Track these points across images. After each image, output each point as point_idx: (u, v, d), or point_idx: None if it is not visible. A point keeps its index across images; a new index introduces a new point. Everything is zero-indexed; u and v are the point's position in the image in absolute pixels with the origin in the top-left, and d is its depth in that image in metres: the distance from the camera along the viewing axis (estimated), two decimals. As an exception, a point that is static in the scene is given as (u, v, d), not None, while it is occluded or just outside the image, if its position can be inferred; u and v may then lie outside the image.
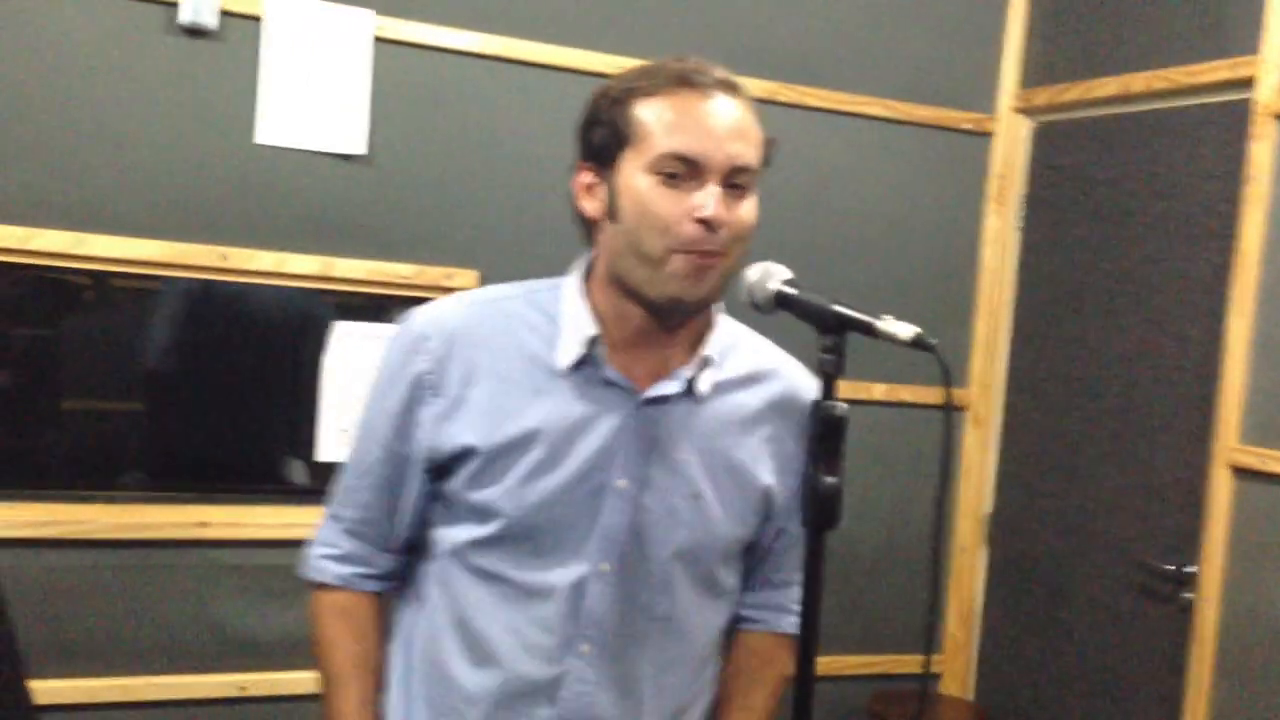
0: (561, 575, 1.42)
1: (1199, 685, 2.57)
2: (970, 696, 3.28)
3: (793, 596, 1.53)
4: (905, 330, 1.28)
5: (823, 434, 1.29)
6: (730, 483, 1.48)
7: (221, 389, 2.66)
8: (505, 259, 2.74)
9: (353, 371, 2.69)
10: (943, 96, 3.15)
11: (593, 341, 1.43)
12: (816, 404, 1.30)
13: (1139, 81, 2.85)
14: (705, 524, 1.46)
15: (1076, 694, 2.95)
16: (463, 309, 1.49)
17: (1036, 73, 3.17)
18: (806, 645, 1.33)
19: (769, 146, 1.42)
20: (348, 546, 1.53)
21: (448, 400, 1.44)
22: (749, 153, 1.37)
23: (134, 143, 2.49)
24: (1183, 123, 2.77)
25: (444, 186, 2.71)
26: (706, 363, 1.46)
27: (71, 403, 2.63)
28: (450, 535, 1.47)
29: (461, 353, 1.44)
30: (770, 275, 1.39)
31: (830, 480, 1.27)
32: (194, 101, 2.52)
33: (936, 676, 3.26)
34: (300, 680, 2.64)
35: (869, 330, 1.31)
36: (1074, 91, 3.03)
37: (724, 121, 1.36)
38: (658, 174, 1.35)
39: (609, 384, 1.43)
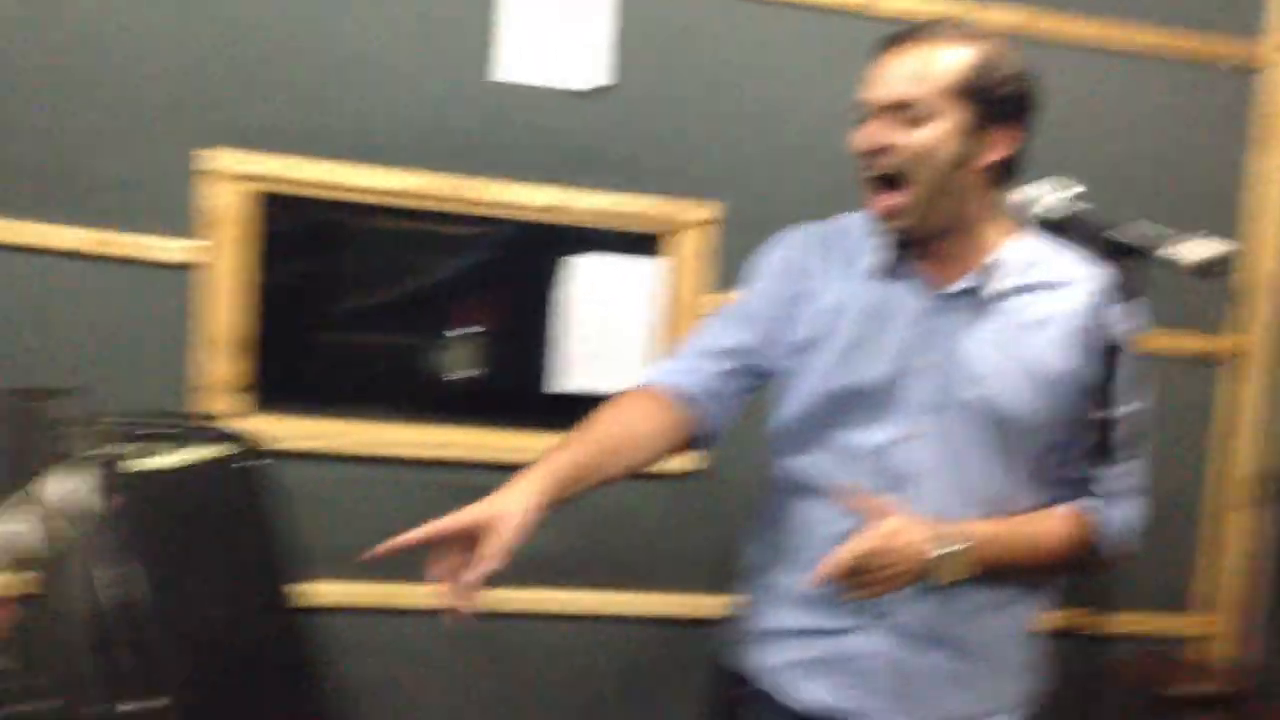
0: (873, 438, 1.70)
1: None
2: (1240, 659, 3.13)
3: (1091, 494, 1.69)
4: (1197, 251, 1.22)
5: (1105, 365, 1.25)
6: (1015, 373, 1.67)
7: (469, 321, 2.77)
8: (749, 191, 2.74)
9: (593, 304, 2.75)
10: (1204, 25, 2.95)
11: (891, 246, 1.71)
12: (1095, 333, 1.27)
13: None
14: (994, 405, 1.66)
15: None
16: (822, 224, 1.84)
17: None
18: (1082, 595, 1.32)
19: (972, 75, 1.61)
20: (671, 365, 1.83)
21: (794, 292, 1.77)
22: (910, 89, 1.61)
23: (373, 77, 2.58)
24: None
25: (686, 119, 2.72)
26: (991, 269, 1.68)
27: (330, 332, 2.78)
28: (796, 404, 1.77)
29: (810, 256, 1.80)
30: (1044, 197, 1.41)
31: (1116, 411, 1.24)
32: (431, 35, 2.59)
33: (1203, 638, 3.13)
34: (549, 599, 2.74)
35: (1148, 257, 1.26)
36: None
37: (888, 68, 1.64)
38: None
39: (909, 282, 1.71)
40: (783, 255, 1.83)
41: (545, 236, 2.72)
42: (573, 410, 2.74)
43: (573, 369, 2.76)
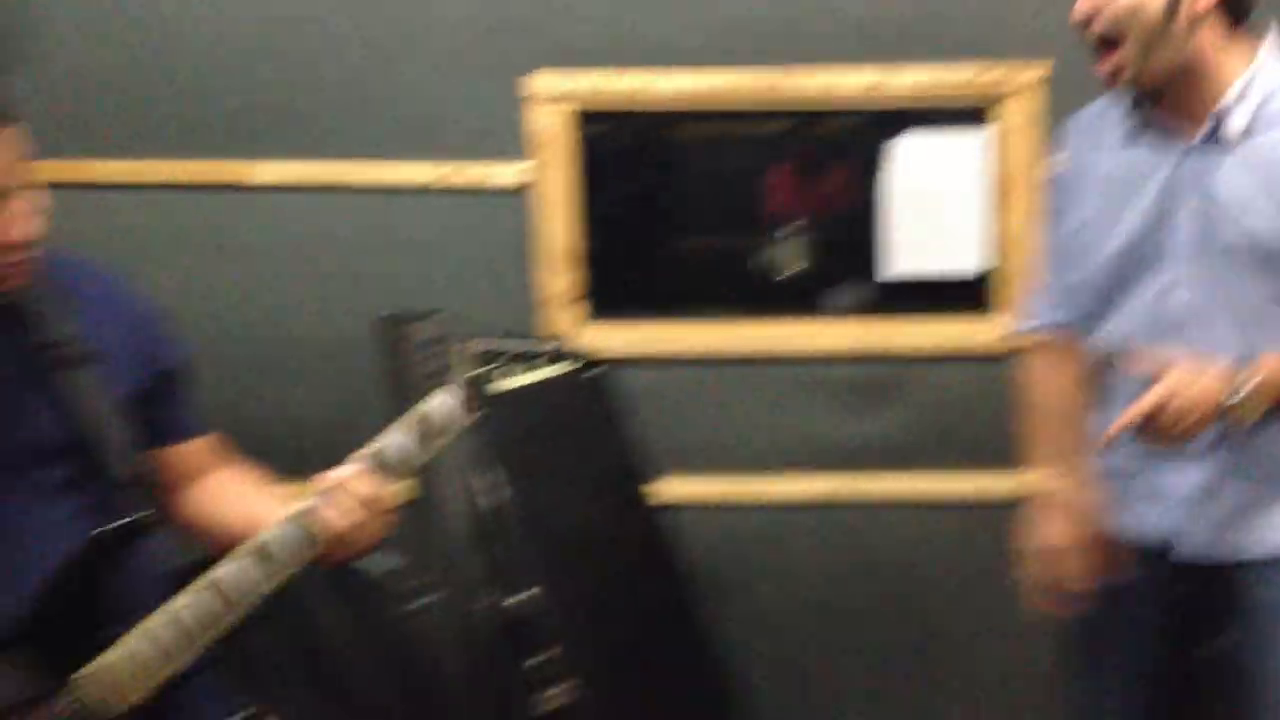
0: (1146, 291, 1.79)
1: None
2: None
3: None
4: None
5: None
6: (1273, 205, 1.69)
7: (794, 215, 2.77)
8: (1076, 47, 2.54)
9: (920, 185, 2.67)
10: None
11: (1131, 108, 1.79)
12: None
13: None
14: (1257, 240, 1.70)
15: None
16: (1096, 104, 1.91)
17: None
18: None
19: None
20: (1045, 306, 2.00)
21: (1077, 185, 1.90)
22: None
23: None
24: None
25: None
26: (1234, 108, 1.71)
27: (659, 239, 2.85)
28: (1081, 276, 1.89)
29: (1079, 141, 1.92)
30: None
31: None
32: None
33: None
34: (889, 485, 2.74)
35: None
36: None
37: None
38: None
39: (1156, 137, 1.78)
40: (1066, 152, 1.96)
41: (865, 121, 2.66)
42: (904, 296, 2.73)
43: (902, 253, 2.70)
